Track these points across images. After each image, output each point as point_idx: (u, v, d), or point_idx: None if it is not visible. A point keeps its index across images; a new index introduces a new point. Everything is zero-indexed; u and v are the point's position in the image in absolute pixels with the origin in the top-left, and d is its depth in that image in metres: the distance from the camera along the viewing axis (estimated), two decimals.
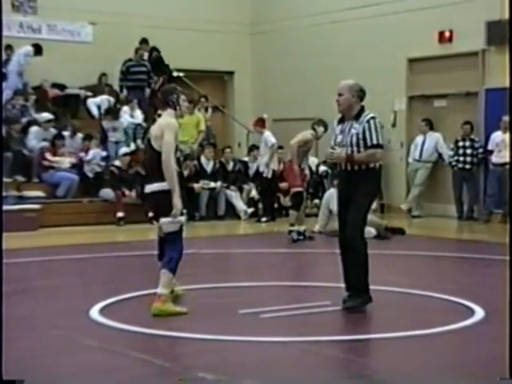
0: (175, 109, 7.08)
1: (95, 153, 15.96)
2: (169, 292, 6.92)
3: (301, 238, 12.39)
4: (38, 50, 16.41)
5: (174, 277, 6.96)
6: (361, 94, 7.13)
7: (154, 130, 7.00)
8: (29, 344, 5.97)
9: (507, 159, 14.05)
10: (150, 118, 17.85)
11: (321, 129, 12.34)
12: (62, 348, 5.92)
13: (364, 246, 7.03)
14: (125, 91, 17.53)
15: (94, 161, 15.88)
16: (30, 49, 16.38)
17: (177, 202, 6.80)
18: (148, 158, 7.09)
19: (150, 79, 17.81)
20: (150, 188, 6.97)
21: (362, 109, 7.12)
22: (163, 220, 6.89)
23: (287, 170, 12.68)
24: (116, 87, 18.11)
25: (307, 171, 13.36)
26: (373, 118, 7.07)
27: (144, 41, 17.66)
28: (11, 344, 5.60)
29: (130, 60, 17.60)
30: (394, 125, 16.88)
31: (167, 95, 7.14)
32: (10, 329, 5.78)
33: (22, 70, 16.46)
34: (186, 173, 16.11)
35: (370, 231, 11.39)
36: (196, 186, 15.99)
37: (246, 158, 17.65)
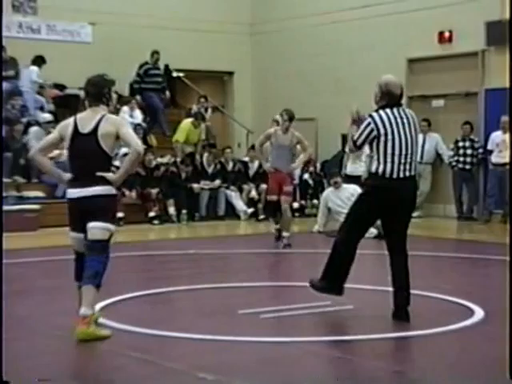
0: (108, 104, 6.23)
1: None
2: (94, 313, 6.13)
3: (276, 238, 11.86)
4: (41, 61, 16.57)
5: (98, 292, 6.13)
6: (379, 93, 6.70)
7: (103, 126, 6.02)
8: (29, 344, 5.96)
9: (507, 159, 14.06)
10: (150, 119, 17.91)
11: (280, 118, 11.70)
12: (62, 348, 5.91)
13: (337, 245, 6.78)
14: (138, 96, 17.57)
15: None
16: (34, 68, 16.49)
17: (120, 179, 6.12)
18: (88, 157, 6.04)
19: (163, 83, 17.90)
20: (92, 191, 5.99)
21: (379, 108, 6.70)
22: (94, 224, 6.00)
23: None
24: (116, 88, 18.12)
25: (297, 171, 12.77)
26: (368, 115, 6.69)
27: (156, 52, 17.72)
28: (11, 344, 5.60)
29: (147, 63, 17.64)
30: None
31: (101, 89, 6.22)
32: (10, 329, 5.79)
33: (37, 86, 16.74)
34: (183, 175, 16.14)
35: (370, 231, 11.35)
36: (195, 186, 16.01)
37: (245, 158, 17.67)
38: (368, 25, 17.32)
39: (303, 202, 16.90)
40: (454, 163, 15.81)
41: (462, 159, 15.71)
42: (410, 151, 6.53)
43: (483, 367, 5.42)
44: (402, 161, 6.50)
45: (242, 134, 19.40)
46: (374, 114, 6.60)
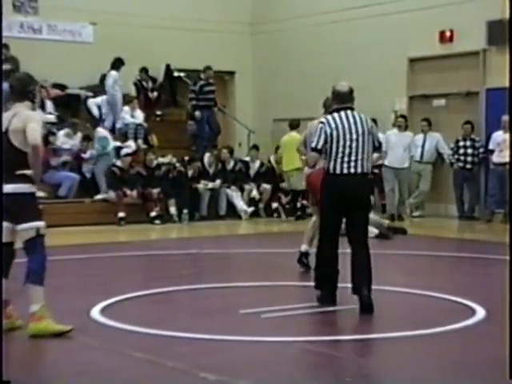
0: (33, 101, 6.27)
1: (93, 153, 16.01)
2: (42, 307, 6.11)
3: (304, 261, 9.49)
4: (120, 64, 16.82)
5: (43, 287, 6.18)
6: (331, 98, 7.42)
7: (13, 123, 6.03)
8: (29, 344, 5.96)
9: (508, 159, 14.05)
10: (149, 121, 17.89)
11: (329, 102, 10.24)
12: (63, 348, 5.91)
13: (319, 253, 7.29)
14: (197, 112, 17.50)
15: (91, 160, 15.93)
16: (113, 74, 16.70)
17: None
18: (5, 154, 5.98)
19: (215, 99, 17.92)
20: (9, 188, 6.03)
21: (330, 113, 7.30)
22: (20, 226, 6.16)
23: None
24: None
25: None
26: (320, 122, 7.25)
27: (208, 68, 17.66)
28: (12, 344, 5.61)
29: (200, 79, 17.58)
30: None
31: (26, 85, 6.25)
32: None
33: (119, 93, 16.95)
34: (190, 173, 16.16)
35: (371, 231, 11.34)
36: (200, 186, 16.02)
37: (246, 158, 17.67)
38: (369, 24, 17.31)
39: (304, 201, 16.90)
40: (453, 161, 15.80)
41: (462, 158, 15.70)
42: (355, 150, 7.00)
43: (484, 367, 5.42)
44: (346, 159, 6.98)
45: (243, 133, 19.40)
46: (323, 118, 7.22)
